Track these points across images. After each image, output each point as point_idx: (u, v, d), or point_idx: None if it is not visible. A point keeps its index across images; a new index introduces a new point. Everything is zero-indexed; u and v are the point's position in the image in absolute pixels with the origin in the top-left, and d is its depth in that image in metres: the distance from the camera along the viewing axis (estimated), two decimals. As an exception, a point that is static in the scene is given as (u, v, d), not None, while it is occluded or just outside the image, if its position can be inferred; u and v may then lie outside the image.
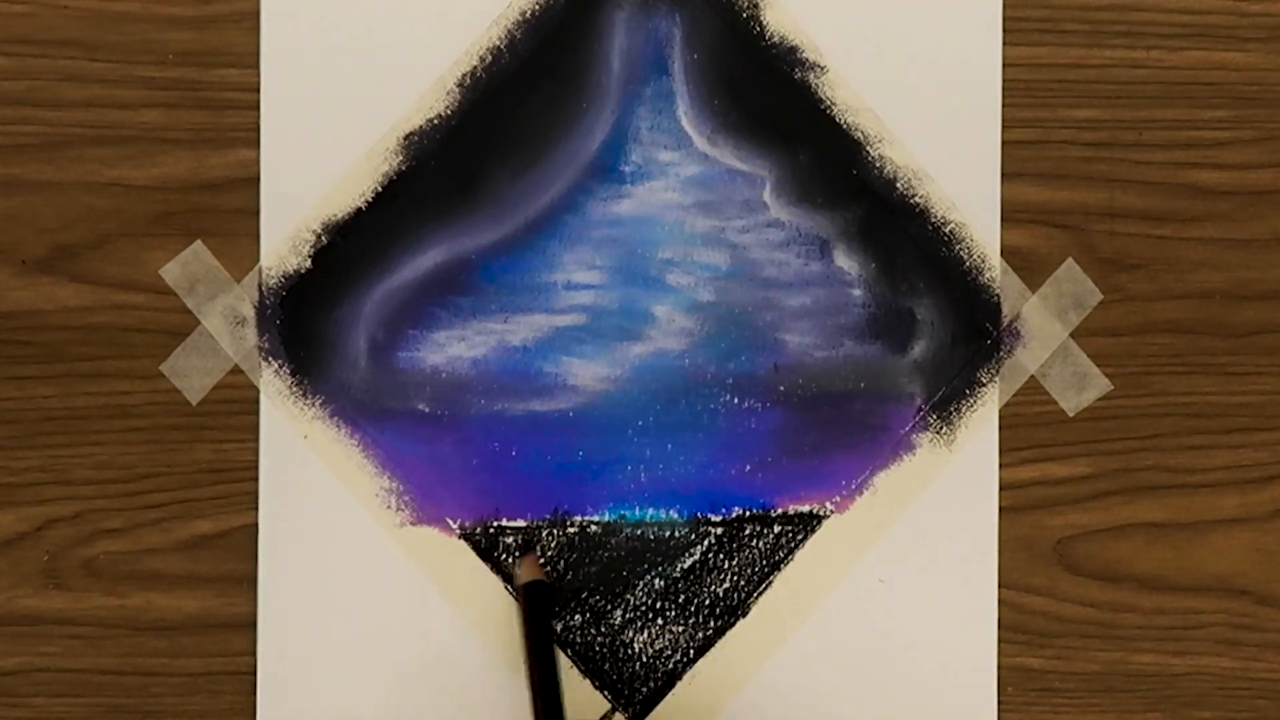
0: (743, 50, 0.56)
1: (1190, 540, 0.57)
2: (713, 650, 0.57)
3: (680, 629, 0.57)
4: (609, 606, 0.57)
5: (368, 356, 0.56)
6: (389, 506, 0.56)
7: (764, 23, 0.56)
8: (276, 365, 0.56)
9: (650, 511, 0.56)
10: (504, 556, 0.56)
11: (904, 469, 0.57)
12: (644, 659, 0.57)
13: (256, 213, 0.56)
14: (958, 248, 0.57)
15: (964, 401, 0.57)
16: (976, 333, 0.57)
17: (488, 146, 0.56)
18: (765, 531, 0.57)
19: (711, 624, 0.57)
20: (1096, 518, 0.57)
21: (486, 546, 0.56)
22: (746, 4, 0.56)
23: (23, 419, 0.56)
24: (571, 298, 0.56)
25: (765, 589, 0.57)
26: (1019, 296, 0.57)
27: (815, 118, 0.57)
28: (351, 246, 0.56)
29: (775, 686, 0.55)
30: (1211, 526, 0.58)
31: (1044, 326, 0.57)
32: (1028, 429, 0.57)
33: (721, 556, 0.57)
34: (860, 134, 0.57)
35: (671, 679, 0.57)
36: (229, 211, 0.56)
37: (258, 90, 0.56)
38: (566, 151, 0.56)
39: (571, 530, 0.56)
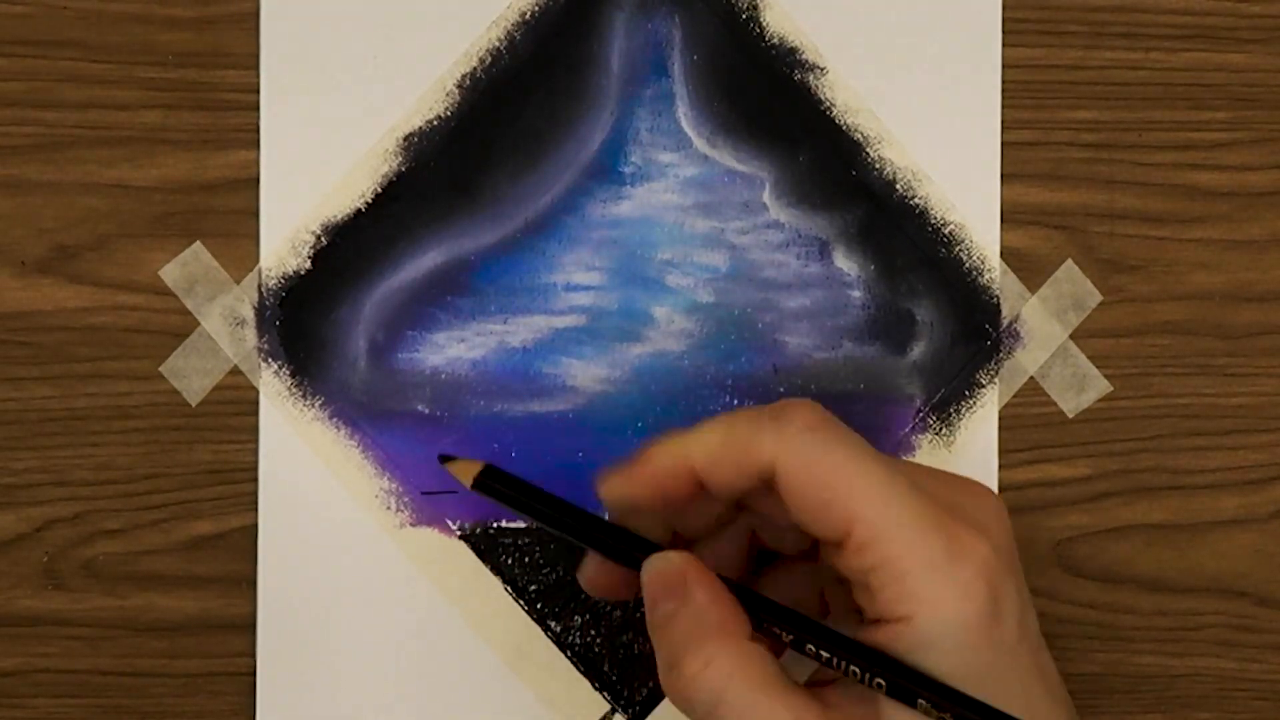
0: (742, 52, 0.56)
1: (1190, 541, 0.58)
2: (712, 651, 0.57)
3: (680, 630, 0.57)
4: (609, 607, 0.57)
5: (367, 357, 0.56)
6: (389, 507, 0.56)
7: (763, 24, 0.56)
8: (276, 366, 0.56)
9: (650, 512, 0.56)
10: (504, 557, 0.56)
11: (903, 470, 0.57)
12: (644, 659, 0.57)
13: (256, 213, 0.56)
14: (957, 249, 0.57)
15: (963, 403, 0.57)
16: (976, 334, 0.57)
17: (488, 147, 0.56)
18: (765, 532, 0.57)
19: (711, 625, 0.57)
20: (1096, 519, 0.57)
21: (486, 547, 0.56)
22: (746, 5, 0.56)
23: (22, 420, 0.56)
24: (571, 299, 0.56)
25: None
26: (1018, 298, 0.57)
27: (815, 119, 0.57)
28: (351, 247, 0.56)
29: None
30: (1211, 527, 0.58)
31: (1043, 328, 0.57)
32: (1027, 430, 0.57)
33: (721, 557, 0.57)
34: (860, 135, 0.57)
35: (671, 680, 0.57)
36: (229, 212, 0.56)
37: (258, 90, 0.56)
38: (566, 153, 0.56)
39: (571, 531, 0.56)
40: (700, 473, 0.46)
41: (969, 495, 0.46)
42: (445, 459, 0.49)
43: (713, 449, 0.45)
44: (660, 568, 0.46)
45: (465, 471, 0.48)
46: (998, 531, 0.45)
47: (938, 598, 0.43)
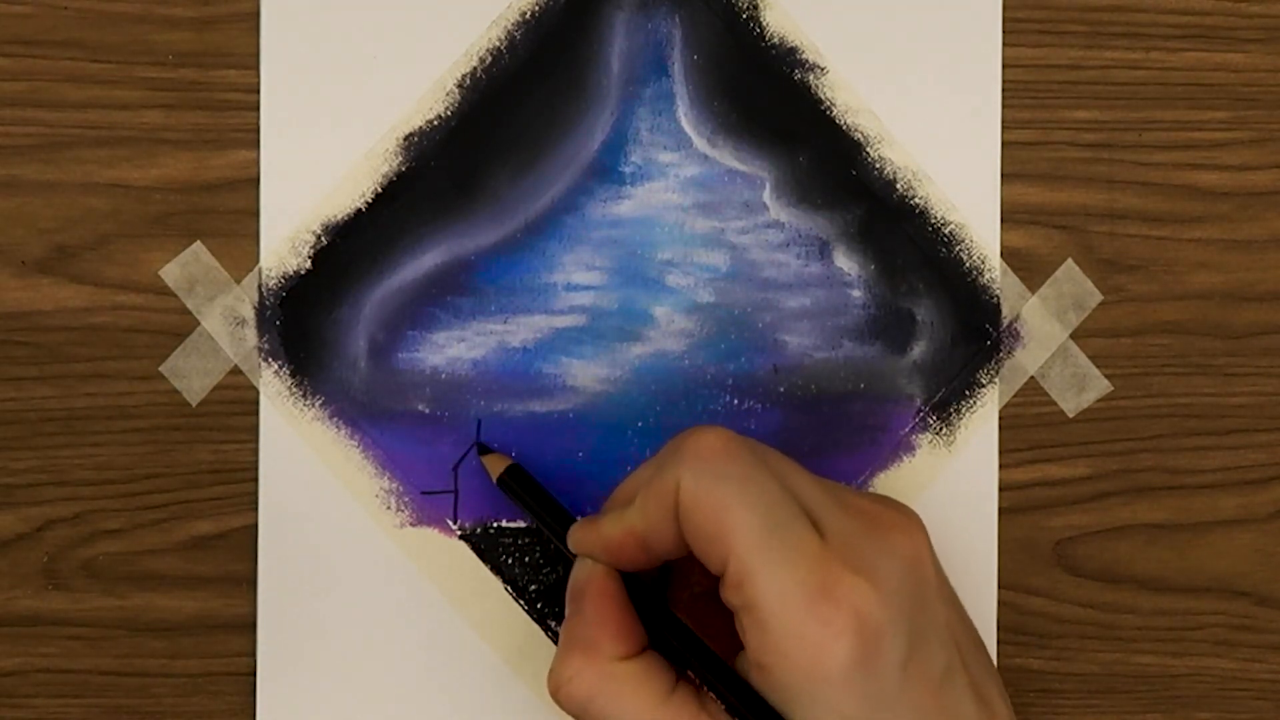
0: (742, 51, 0.56)
1: (1190, 541, 0.58)
2: (712, 651, 0.57)
3: (680, 630, 0.57)
4: (608, 607, 0.57)
5: (367, 357, 0.56)
6: (389, 507, 0.56)
7: (764, 24, 0.56)
8: (276, 366, 0.56)
9: (650, 512, 0.56)
10: (504, 557, 0.56)
11: (904, 470, 0.57)
12: (644, 659, 0.57)
13: (256, 213, 0.56)
14: (957, 249, 0.57)
15: (964, 402, 0.57)
16: (976, 334, 0.57)
17: (488, 147, 0.56)
18: (765, 532, 0.56)
19: (711, 625, 0.57)
20: (1096, 519, 0.57)
21: (486, 547, 0.56)
22: (746, 5, 0.56)
23: (22, 420, 0.56)
24: (571, 299, 0.56)
25: (765, 590, 0.57)
26: (1019, 297, 0.57)
27: (815, 119, 0.57)
28: (351, 247, 0.56)
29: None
30: (1211, 527, 0.58)
31: (1043, 327, 0.57)
32: (1027, 430, 0.57)
33: (721, 557, 0.57)
34: (860, 135, 0.57)
35: (671, 680, 0.57)
36: (229, 212, 0.56)
37: (258, 90, 0.56)
38: (566, 152, 0.56)
39: (571, 531, 0.56)
40: (643, 533, 0.47)
41: (879, 529, 0.46)
42: (483, 449, 0.55)
43: (640, 487, 0.47)
44: (576, 573, 0.49)
45: (495, 465, 0.54)
46: (894, 571, 0.45)
47: (795, 651, 0.43)
